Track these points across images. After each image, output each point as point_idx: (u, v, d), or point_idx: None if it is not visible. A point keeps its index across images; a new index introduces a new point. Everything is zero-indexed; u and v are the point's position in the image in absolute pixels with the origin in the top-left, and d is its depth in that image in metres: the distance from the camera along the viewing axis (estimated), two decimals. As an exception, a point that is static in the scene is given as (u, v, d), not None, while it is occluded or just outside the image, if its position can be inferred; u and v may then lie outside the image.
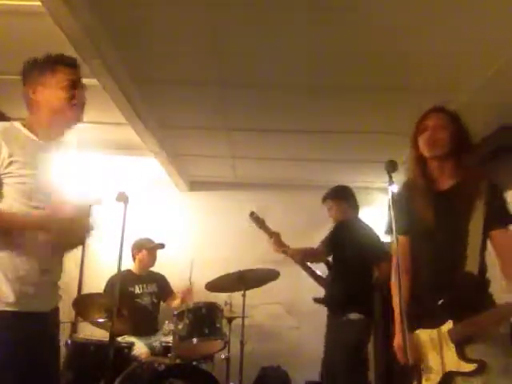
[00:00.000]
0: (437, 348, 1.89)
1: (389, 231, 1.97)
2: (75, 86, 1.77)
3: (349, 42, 2.49)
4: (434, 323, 1.89)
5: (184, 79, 2.98)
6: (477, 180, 1.89)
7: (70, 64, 1.77)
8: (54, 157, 1.77)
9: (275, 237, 3.38)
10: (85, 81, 2.89)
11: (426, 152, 1.95)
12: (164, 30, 2.45)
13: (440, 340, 1.88)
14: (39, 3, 2.08)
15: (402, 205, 1.95)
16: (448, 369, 1.83)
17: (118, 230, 2.31)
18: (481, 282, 1.88)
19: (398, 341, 1.92)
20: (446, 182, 1.96)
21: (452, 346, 1.83)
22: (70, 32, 2.27)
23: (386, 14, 2.25)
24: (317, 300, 3.39)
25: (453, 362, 1.81)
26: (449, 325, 1.85)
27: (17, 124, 1.72)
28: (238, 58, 2.69)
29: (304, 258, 3.43)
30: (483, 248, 1.90)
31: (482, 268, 1.89)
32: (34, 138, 1.73)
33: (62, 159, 1.80)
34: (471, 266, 1.84)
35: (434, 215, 1.90)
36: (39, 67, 1.74)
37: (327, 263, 3.45)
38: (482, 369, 1.75)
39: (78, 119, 1.81)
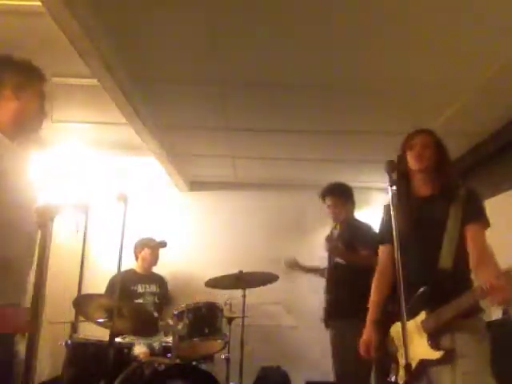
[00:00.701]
0: (410, 338, 1.96)
1: (382, 240, 2.29)
2: (45, 97, 1.83)
3: (349, 43, 2.49)
4: (409, 315, 1.97)
5: (184, 79, 2.98)
6: (455, 188, 2.12)
7: (43, 76, 1.83)
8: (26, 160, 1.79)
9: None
10: (85, 81, 2.95)
11: (414, 165, 2.15)
12: (164, 30, 2.45)
13: (413, 330, 1.99)
14: (39, 3, 2.08)
15: (388, 217, 2.14)
16: (420, 357, 1.95)
17: (117, 229, 2.31)
18: (452, 274, 1.98)
19: (365, 336, 2.15)
20: (427, 190, 2.17)
21: (424, 335, 1.96)
22: (70, 32, 2.27)
23: (384, 15, 2.25)
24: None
25: (424, 351, 1.94)
26: (422, 316, 1.99)
27: None
28: (238, 57, 2.69)
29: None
30: (461, 244, 2.02)
31: (458, 263, 2.01)
32: (7, 140, 1.71)
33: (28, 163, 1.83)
34: (445, 262, 2.00)
35: (412, 219, 2.08)
36: (24, 71, 1.76)
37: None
38: (450, 355, 1.88)
39: (38, 130, 1.84)
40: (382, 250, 2.30)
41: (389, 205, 2.22)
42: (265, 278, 3.49)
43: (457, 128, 3.47)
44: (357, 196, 3.55)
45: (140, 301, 4.01)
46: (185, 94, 3.19)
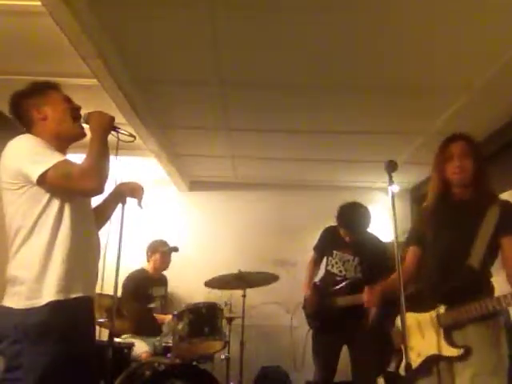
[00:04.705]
0: (423, 331, 2.00)
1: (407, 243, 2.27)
2: (69, 101, 1.91)
3: (349, 43, 2.49)
4: (425, 307, 2.01)
5: (184, 79, 2.98)
6: (492, 195, 2.08)
7: (53, 85, 1.91)
8: None
9: None
10: (85, 81, 2.94)
11: (455, 179, 2.09)
12: (164, 30, 2.45)
13: (427, 323, 1.99)
14: (39, 3, 2.08)
15: (422, 224, 2.22)
16: (432, 352, 1.93)
17: (117, 230, 2.30)
18: (478, 274, 1.96)
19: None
20: (465, 196, 2.11)
21: (440, 330, 1.93)
22: (70, 32, 2.27)
23: (384, 14, 2.25)
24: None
25: (438, 346, 1.92)
26: (440, 310, 1.96)
27: None
28: (239, 57, 2.69)
29: None
30: (489, 252, 1.99)
31: (484, 268, 1.99)
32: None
33: None
34: (474, 260, 1.96)
35: (448, 220, 2.08)
36: (36, 91, 1.86)
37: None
38: (467, 355, 1.85)
39: (82, 133, 1.90)
40: (408, 251, 2.27)
41: (423, 208, 2.24)
42: (264, 279, 3.49)
43: (456, 128, 3.45)
44: (357, 196, 3.55)
45: (152, 305, 3.99)
46: (185, 94, 3.19)
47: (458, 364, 1.89)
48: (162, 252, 4.15)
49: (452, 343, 1.90)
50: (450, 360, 1.91)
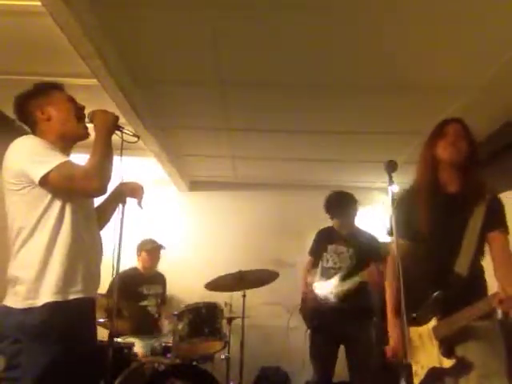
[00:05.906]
0: (424, 344, 1.98)
1: (390, 233, 2.07)
2: (73, 100, 1.90)
3: (349, 43, 2.49)
4: (423, 320, 1.97)
5: (184, 79, 2.98)
6: (481, 189, 1.98)
7: (57, 85, 1.91)
8: None
9: None
10: (85, 81, 2.94)
11: (446, 156, 2.00)
12: (164, 30, 2.45)
13: (426, 337, 1.96)
14: (39, 3, 2.08)
15: (405, 208, 2.06)
16: (432, 364, 1.91)
17: (117, 230, 2.30)
18: (466, 280, 1.92)
19: (394, 337, 2.01)
20: (452, 187, 2.03)
21: (436, 342, 1.91)
22: (70, 32, 2.27)
23: (384, 14, 2.25)
24: None
25: (436, 359, 1.90)
26: (434, 322, 1.94)
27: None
28: (239, 58, 2.69)
29: None
30: (478, 250, 1.96)
31: (474, 269, 1.95)
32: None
33: None
34: (461, 267, 1.92)
35: (434, 217, 1.98)
36: (39, 92, 1.86)
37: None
38: (461, 365, 1.83)
39: (86, 134, 1.90)
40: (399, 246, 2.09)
41: (400, 198, 2.10)
42: (265, 276, 3.49)
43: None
44: (357, 196, 3.54)
45: (145, 303, 3.98)
46: (185, 94, 3.19)
47: (461, 375, 1.86)
48: (146, 250, 4.15)
49: (445, 354, 1.87)
50: (451, 372, 1.87)
